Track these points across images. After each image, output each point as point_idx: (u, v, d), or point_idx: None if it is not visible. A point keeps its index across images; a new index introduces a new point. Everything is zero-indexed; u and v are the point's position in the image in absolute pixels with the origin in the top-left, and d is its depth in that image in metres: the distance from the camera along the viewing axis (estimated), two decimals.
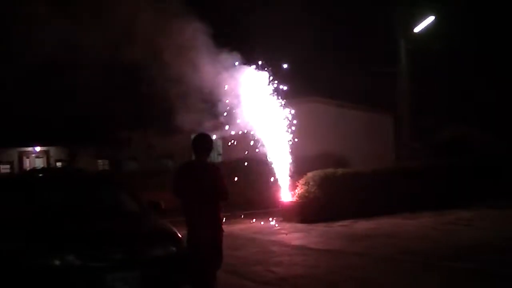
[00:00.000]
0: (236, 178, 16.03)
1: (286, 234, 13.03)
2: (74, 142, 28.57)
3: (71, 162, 29.79)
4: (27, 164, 32.28)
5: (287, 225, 14.43)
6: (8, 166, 31.72)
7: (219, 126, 14.87)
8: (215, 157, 23.15)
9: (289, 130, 15.70)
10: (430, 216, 14.28)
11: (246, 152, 16.69)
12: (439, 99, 26.92)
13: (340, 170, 15.60)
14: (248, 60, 14.57)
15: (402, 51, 20.99)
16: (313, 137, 20.86)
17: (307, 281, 8.18)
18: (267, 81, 15.19)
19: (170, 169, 21.92)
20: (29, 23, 11.36)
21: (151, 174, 20.17)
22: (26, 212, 7.08)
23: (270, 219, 15.41)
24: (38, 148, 32.74)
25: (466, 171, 16.78)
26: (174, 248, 6.54)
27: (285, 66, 16.12)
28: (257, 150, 15.60)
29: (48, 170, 14.41)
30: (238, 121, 14.65)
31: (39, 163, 31.69)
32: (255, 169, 17.24)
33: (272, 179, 15.85)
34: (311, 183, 14.93)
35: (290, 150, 15.69)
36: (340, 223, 14.08)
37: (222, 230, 6.40)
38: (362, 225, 13.63)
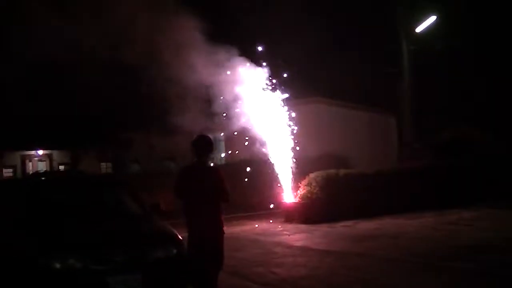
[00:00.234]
0: (239, 180, 16.07)
1: (289, 235, 13.01)
2: (77, 145, 28.63)
3: (74, 165, 29.83)
4: (30, 167, 32.30)
5: (289, 226, 14.44)
6: (11, 170, 31.75)
7: (222, 127, 14.88)
8: (218, 158, 23.18)
9: (291, 131, 15.72)
10: (431, 216, 14.27)
11: (249, 154, 16.70)
12: (440, 99, 26.89)
13: (342, 171, 15.61)
14: (249, 60, 14.58)
15: (404, 51, 21.00)
16: (315, 137, 20.84)
17: (309, 282, 8.16)
18: (269, 82, 15.22)
19: (172, 171, 21.94)
20: (29, 24, 11.39)
21: (153, 176, 20.20)
22: (28, 215, 7.10)
23: (273, 220, 15.41)
24: (41, 152, 32.77)
25: (466, 171, 16.79)
26: (175, 250, 6.56)
27: (285, 63, 16.11)
28: (259, 151, 15.62)
29: (51, 173, 14.42)
30: (240, 122, 14.67)
31: (42, 166, 31.72)
32: (258, 170, 17.24)
33: (274, 180, 15.86)
34: (313, 184, 14.95)
35: (292, 151, 15.71)
36: (343, 223, 14.09)
37: (223, 231, 6.42)
38: (364, 226, 13.64)
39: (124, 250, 6.31)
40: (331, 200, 14.69)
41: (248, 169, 17.43)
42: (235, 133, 15.04)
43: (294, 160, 15.68)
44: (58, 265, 6.02)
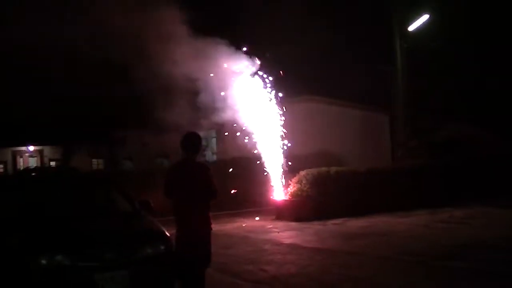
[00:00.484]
0: (230, 177, 16.03)
1: (279, 232, 13.01)
2: (68, 142, 28.45)
3: (65, 161, 29.66)
4: (21, 163, 32.11)
5: (280, 224, 14.42)
6: (1, 166, 31.56)
7: (213, 124, 14.82)
8: (210, 155, 23.12)
9: (283, 129, 15.69)
10: (423, 214, 14.31)
11: (240, 151, 16.65)
12: (435, 98, 26.88)
13: (333, 169, 15.59)
14: (244, 57, 14.54)
15: (398, 50, 20.99)
16: (307, 135, 20.82)
17: (299, 280, 8.14)
18: (261, 80, 15.20)
19: (165, 169, 21.80)
20: (15, 20, 11.31)
21: (146, 174, 20.07)
22: (15, 211, 7.04)
23: (263, 218, 15.38)
24: (32, 148, 32.53)
25: (460, 170, 16.83)
26: (162, 247, 6.51)
27: (269, 55, 16.09)
28: (251, 149, 15.58)
29: (41, 169, 14.34)
30: (232, 119, 14.64)
31: (33, 162, 31.52)
32: (249, 167, 17.19)
33: (265, 177, 15.83)
34: (304, 182, 14.93)
35: (284, 149, 15.68)
36: (334, 221, 14.08)
37: (210, 228, 6.40)
38: (355, 224, 13.63)
39: (112, 247, 6.26)
40: (322, 198, 14.68)
41: (240, 166, 17.39)
42: (226, 133, 14.99)
43: (285, 158, 15.66)
44: (45, 262, 5.96)
